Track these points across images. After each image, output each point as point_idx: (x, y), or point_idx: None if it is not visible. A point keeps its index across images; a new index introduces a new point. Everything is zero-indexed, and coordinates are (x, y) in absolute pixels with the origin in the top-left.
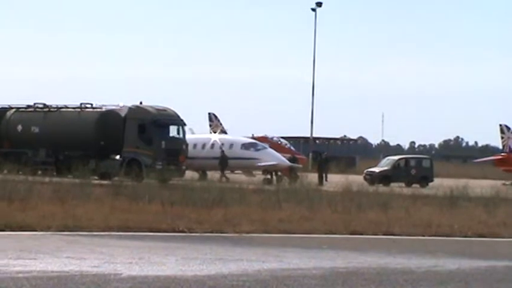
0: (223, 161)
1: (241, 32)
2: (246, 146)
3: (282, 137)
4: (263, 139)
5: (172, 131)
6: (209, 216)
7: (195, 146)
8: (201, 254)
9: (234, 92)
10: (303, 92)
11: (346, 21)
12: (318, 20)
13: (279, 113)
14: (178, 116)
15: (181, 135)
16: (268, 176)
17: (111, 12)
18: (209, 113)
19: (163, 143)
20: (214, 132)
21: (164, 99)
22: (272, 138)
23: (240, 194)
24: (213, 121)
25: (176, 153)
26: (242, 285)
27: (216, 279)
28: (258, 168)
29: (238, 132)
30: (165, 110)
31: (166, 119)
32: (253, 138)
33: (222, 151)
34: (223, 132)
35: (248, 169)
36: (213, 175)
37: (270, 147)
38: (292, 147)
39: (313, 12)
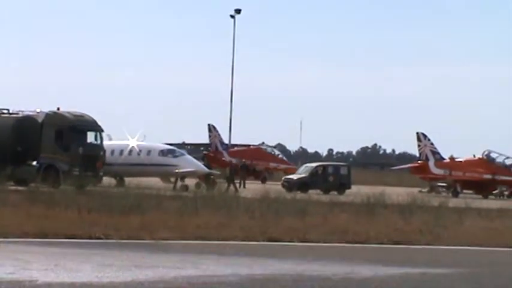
0: None
1: (159, 38)
2: (164, 153)
3: (201, 144)
4: (258, 150)
5: (90, 137)
6: (126, 223)
7: (112, 152)
8: (118, 261)
9: (152, 99)
10: (221, 99)
11: (266, 29)
12: (237, 27)
13: (197, 120)
14: (96, 122)
15: (98, 142)
16: (186, 183)
17: (28, 16)
18: (208, 124)
19: (80, 149)
20: (207, 145)
21: (82, 105)
22: (266, 149)
23: (157, 200)
24: (212, 132)
25: (93, 159)
26: None
27: (132, 286)
28: (176, 174)
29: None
30: (82, 116)
31: (84, 125)
32: (248, 147)
33: None
34: (222, 143)
35: (166, 175)
36: (131, 181)
37: (262, 157)
38: (284, 158)
39: (232, 19)
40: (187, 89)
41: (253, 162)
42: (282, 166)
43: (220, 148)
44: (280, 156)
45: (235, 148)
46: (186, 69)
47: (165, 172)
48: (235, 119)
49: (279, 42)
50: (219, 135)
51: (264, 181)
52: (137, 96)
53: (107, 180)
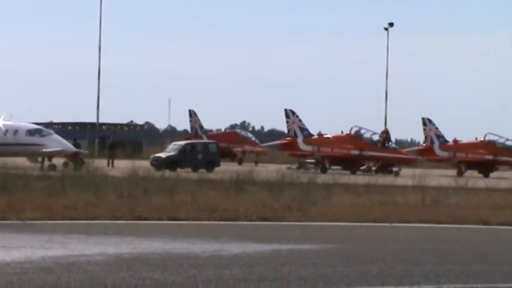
0: None
1: (25, 15)
2: (31, 132)
3: (69, 123)
4: (234, 133)
5: None
6: None
7: None
8: None
9: (19, 78)
10: (89, 77)
11: (133, 6)
12: (104, 4)
13: (64, 98)
14: None
15: None
16: (53, 163)
17: None
18: (189, 110)
19: None
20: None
21: None
22: (240, 132)
23: (25, 180)
24: (193, 117)
25: None
26: (25, 273)
27: None
28: (44, 154)
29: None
30: None
31: None
32: (225, 131)
33: None
34: (201, 127)
35: (33, 155)
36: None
37: (238, 140)
38: (257, 141)
39: None
40: (55, 68)
41: (229, 145)
42: (256, 149)
43: (200, 132)
44: (253, 139)
45: (214, 132)
46: (53, 47)
47: (32, 152)
48: (104, 97)
49: (147, 20)
50: (198, 120)
51: (240, 163)
52: (3, 76)
53: None
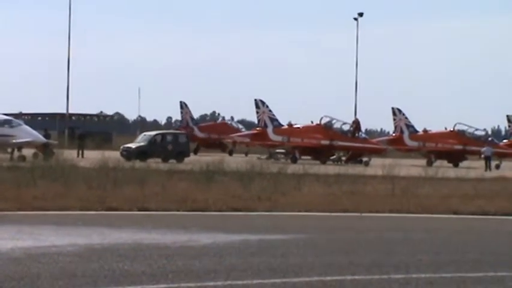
0: None
1: None
2: (0, 123)
3: (38, 114)
4: (224, 124)
5: None
6: None
7: None
8: None
9: None
10: (58, 67)
11: None
12: None
13: (34, 89)
14: None
15: None
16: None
17: None
18: (180, 102)
19: None
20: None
21: None
22: (231, 123)
23: None
24: (184, 108)
25: None
26: None
27: None
28: (14, 145)
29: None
30: None
31: None
32: (215, 123)
33: None
34: (192, 118)
35: (3, 146)
36: None
37: (229, 131)
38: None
39: None
40: (24, 58)
41: (220, 136)
42: (246, 139)
43: (191, 124)
44: (243, 130)
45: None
46: (22, 37)
47: (1, 142)
48: (73, 87)
49: (117, 11)
50: (189, 111)
51: (230, 153)
52: None
53: None
